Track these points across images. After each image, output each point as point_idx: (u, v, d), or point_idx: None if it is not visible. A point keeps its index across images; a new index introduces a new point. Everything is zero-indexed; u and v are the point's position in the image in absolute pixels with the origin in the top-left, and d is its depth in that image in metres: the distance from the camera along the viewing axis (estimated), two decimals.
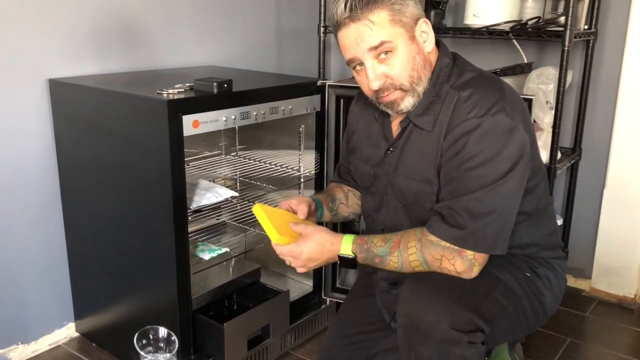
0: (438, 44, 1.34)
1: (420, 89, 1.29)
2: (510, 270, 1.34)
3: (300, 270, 1.37)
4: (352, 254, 1.32)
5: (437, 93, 1.29)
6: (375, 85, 1.27)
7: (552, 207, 1.47)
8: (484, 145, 1.20)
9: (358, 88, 1.39)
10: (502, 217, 1.23)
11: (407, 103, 1.30)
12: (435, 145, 1.28)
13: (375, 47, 1.24)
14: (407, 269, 1.28)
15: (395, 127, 1.39)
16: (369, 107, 1.44)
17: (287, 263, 1.37)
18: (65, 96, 1.82)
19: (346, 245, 1.32)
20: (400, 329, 1.27)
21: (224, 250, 1.96)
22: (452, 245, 1.24)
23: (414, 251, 1.27)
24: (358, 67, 1.30)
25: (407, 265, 1.28)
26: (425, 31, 1.28)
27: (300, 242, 1.33)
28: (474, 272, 1.25)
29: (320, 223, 1.51)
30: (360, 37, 1.24)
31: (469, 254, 1.23)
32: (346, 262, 1.34)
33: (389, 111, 1.35)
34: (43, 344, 1.98)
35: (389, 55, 1.25)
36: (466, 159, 1.22)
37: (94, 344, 2.00)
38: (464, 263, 1.24)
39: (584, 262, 2.43)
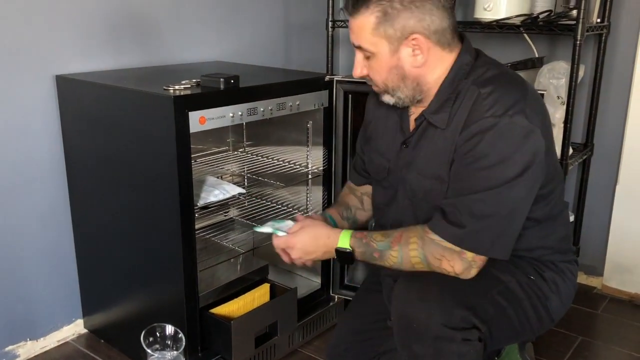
0: (462, 38, 1.30)
1: (402, 95, 1.30)
2: (513, 272, 1.31)
3: (297, 262, 1.38)
4: (349, 247, 1.31)
5: (455, 90, 1.26)
6: (355, 73, 1.32)
7: (566, 211, 1.43)
8: (497, 146, 1.18)
9: (366, 84, 1.38)
10: (505, 221, 1.21)
11: (388, 99, 1.33)
12: (450, 142, 1.25)
13: (356, 47, 1.28)
14: (406, 264, 1.27)
15: (413, 122, 1.37)
16: None
17: (285, 259, 1.40)
18: (73, 92, 1.81)
19: (344, 239, 1.32)
20: (395, 328, 1.27)
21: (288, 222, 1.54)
22: (453, 246, 1.22)
23: (415, 247, 1.25)
24: None
25: (407, 261, 1.26)
26: (417, 47, 1.23)
27: (295, 234, 1.34)
28: (472, 273, 1.24)
29: None
30: (351, 31, 1.28)
31: (469, 255, 1.22)
32: (343, 257, 1.32)
33: None
34: (51, 340, 1.99)
35: (370, 57, 1.28)
36: (477, 158, 1.19)
37: (102, 341, 2.00)
38: (463, 264, 1.22)
39: (595, 259, 2.40)
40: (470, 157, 1.20)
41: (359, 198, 1.59)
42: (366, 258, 1.31)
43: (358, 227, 1.57)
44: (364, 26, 1.23)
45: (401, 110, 1.38)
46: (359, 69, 1.31)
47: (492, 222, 1.20)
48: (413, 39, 1.22)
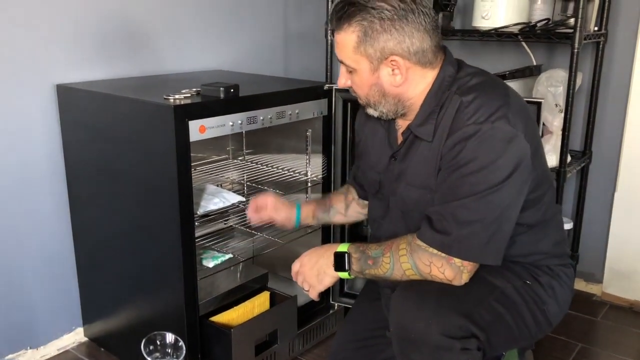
0: (444, 50, 1.32)
1: (384, 109, 1.32)
2: (508, 278, 1.32)
3: (305, 285, 1.41)
4: (347, 251, 1.33)
5: (439, 102, 1.28)
6: (339, 84, 1.35)
7: (559, 216, 1.44)
8: (479, 153, 1.19)
9: None
10: (492, 226, 1.21)
11: (372, 112, 1.36)
12: (436, 151, 1.27)
13: (340, 61, 1.31)
14: (398, 272, 1.27)
15: (401, 135, 1.39)
16: None
17: (300, 283, 1.43)
18: (73, 101, 1.82)
19: (343, 246, 1.35)
20: (394, 339, 1.27)
21: (227, 256, 1.95)
22: (439, 252, 1.22)
23: (404, 253, 1.26)
24: None
25: (399, 268, 1.27)
26: (395, 67, 1.26)
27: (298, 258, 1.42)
28: (464, 279, 1.24)
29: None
30: (335, 44, 1.31)
31: (457, 261, 1.22)
32: (340, 263, 1.33)
33: None
34: (52, 348, 1.99)
35: (352, 72, 1.30)
36: (460, 165, 1.20)
37: (103, 349, 2.00)
38: (453, 270, 1.23)
39: (594, 267, 2.41)
40: (454, 164, 1.21)
41: (347, 203, 1.63)
42: (361, 265, 1.32)
43: (334, 224, 1.70)
44: (346, 43, 1.26)
45: (388, 124, 1.41)
46: (343, 80, 1.34)
47: (478, 228, 1.20)
48: (392, 61, 1.25)
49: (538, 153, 1.29)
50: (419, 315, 1.21)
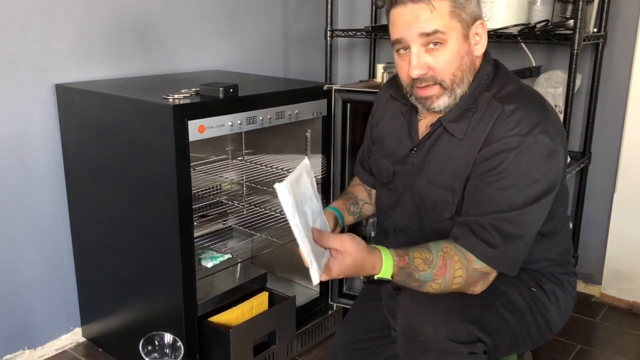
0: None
1: (459, 91, 1.23)
2: (515, 284, 1.31)
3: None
4: (391, 277, 1.18)
5: (474, 101, 1.24)
6: (415, 73, 1.20)
7: (568, 225, 1.44)
8: (522, 166, 1.17)
9: (365, 92, 1.37)
10: (526, 241, 1.21)
11: (442, 102, 1.24)
12: (468, 155, 1.23)
13: (427, 35, 1.18)
14: (444, 291, 1.23)
15: (423, 127, 1.34)
16: (397, 99, 1.39)
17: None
18: (72, 101, 1.82)
19: (387, 269, 1.17)
20: (400, 340, 1.26)
21: (226, 256, 1.95)
22: (488, 269, 1.20)
23: (459, 281, 1.20)
24: (402, 51, 1.22)
25: (447, 289, 1.22)
26: (479, 34, 1.22)
27: (337, 259, 1.13)
28: (478, 289, 1.24)
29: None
30: (416, 19, 1.17)
31: (492, 275, 1.23)
32: (380, 282, 1.22)
33: (420, 106, 1.29)
34: (50, 349, 1.98)
35: (438, 47, 1.19)
36: (501, 177, 1.18)
37: (101, 350, 2.00)
38: (484, 286, 1.24)
39: (594, 268, 2.41)
40: (494, 175, 1.18)
41: (368, 192, 1.57)
42: (403, 284, 1.22)
43: (364, 217, 1.56)
44: (442, 8, 1.17)
45: (410, 114, 1.36)
46: (419, 66, 1.20)
47: (520, 242, 1.20)
48: (480, 24, 1.22)
49: (565, 167, 1.29)
50: (429, 319, 1.20)
